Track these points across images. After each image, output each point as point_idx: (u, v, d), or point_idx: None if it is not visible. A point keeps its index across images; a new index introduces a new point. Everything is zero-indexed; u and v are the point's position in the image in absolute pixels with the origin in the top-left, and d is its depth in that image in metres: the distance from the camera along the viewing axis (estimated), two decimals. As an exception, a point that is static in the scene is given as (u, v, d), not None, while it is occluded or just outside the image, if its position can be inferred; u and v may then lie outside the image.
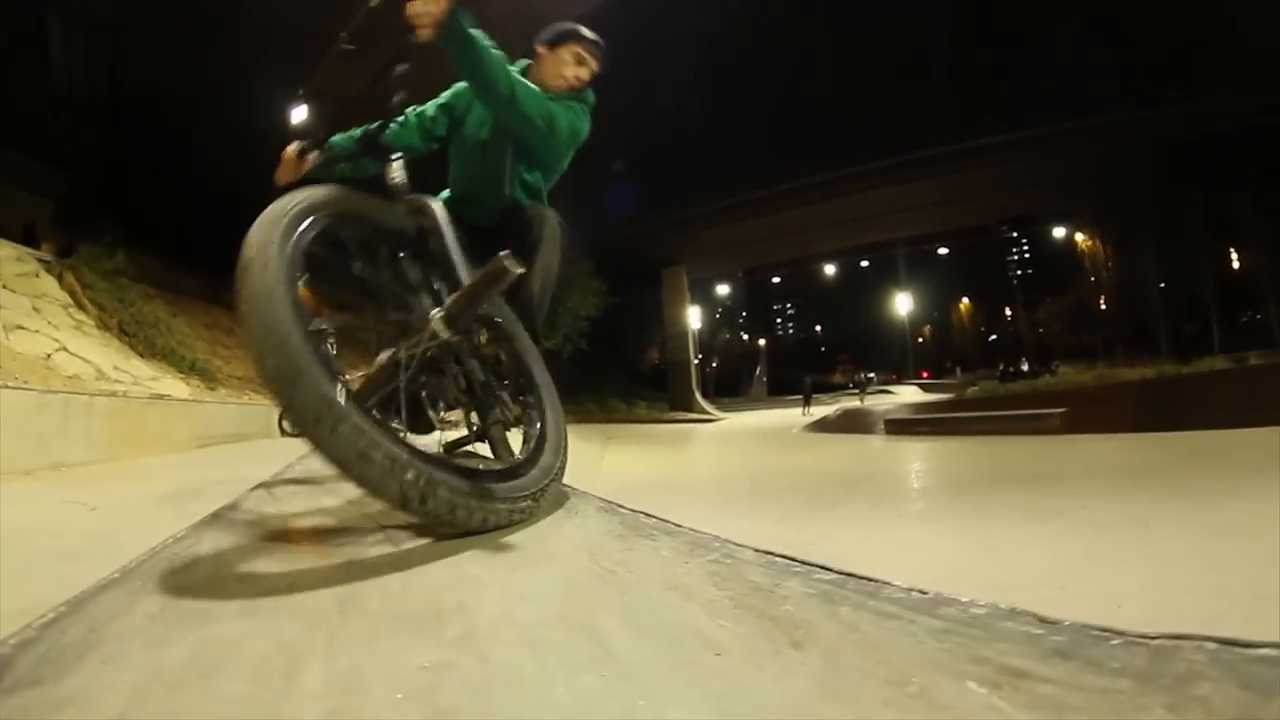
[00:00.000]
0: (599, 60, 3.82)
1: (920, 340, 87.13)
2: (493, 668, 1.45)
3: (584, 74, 3.82)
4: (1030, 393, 20.94)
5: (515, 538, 2.53)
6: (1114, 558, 5.46)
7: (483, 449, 3.28)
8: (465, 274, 2.94)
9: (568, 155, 3.89)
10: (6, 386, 6.11)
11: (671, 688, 1.37)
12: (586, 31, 3.82)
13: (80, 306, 14.80)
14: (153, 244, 22.76)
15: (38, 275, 14.58)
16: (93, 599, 1.87)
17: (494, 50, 3.20)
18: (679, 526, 2.86)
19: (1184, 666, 1.38)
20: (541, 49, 3.85)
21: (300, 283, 2.29)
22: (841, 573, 2.05)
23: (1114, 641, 1.60)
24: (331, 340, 10.48)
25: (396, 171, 3.20)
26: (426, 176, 3.61)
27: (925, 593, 1.80)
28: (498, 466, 2.74)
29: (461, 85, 3.81)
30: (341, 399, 1.98)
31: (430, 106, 3.94)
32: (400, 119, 3.66)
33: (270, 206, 2.32)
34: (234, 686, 1.38)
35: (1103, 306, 53.36)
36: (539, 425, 3.21)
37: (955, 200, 42.21)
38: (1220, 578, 4.80)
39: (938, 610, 1.68)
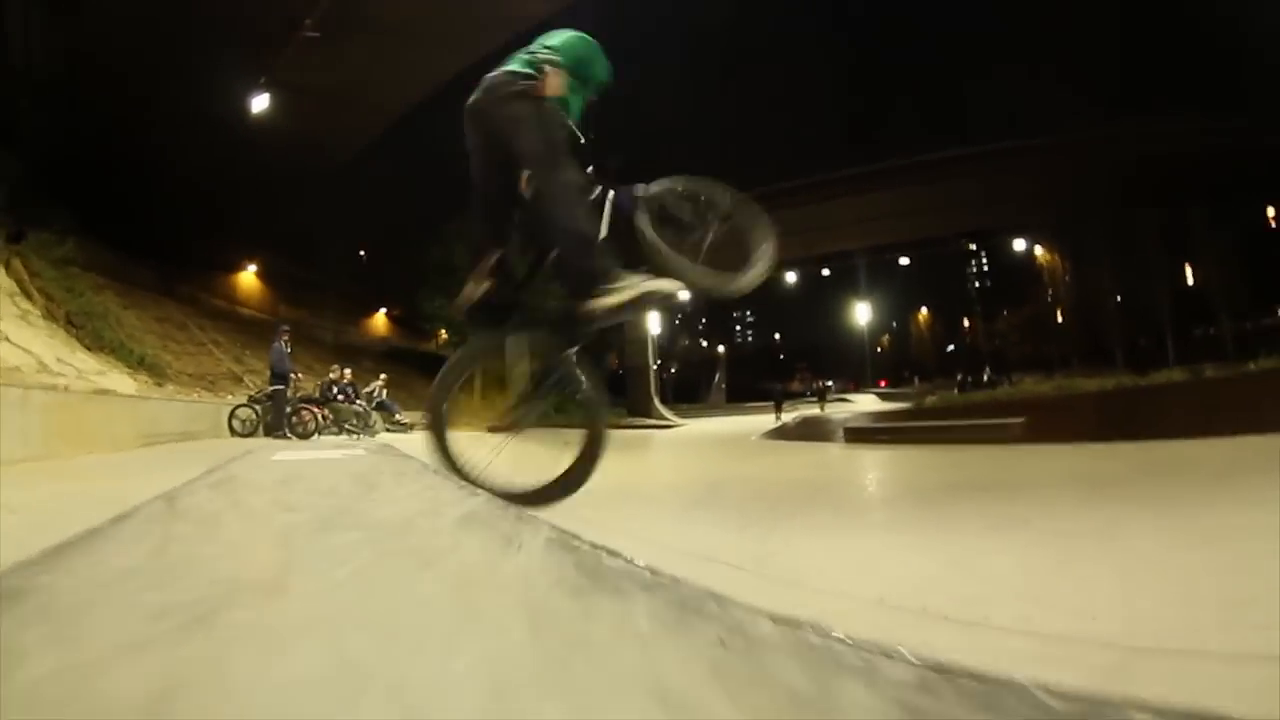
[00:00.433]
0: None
1: (879, 349, 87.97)
2: None
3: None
4: (989, 402, 21.03)
5: (435, 584, 2.41)
6: (1084, 568, 5.34)
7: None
8: None
9: None
10: (-68, 378, 5.96)
11: None
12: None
13: (27, 295, 14.33)
14: (106, 233, 22.18)
15: (-17, 261, 14.12)
16: None
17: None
18: (656, 575, 2.52)
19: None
20: None
21: None
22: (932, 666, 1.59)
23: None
24: (287, 337, 10.71)
25: None
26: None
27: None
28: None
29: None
30: None
31: None
32: None
33: None
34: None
35: (1059, 319, 54.21)
36: None
37: (915, 212, 42.81)
38: (1190, 587, 4.74)
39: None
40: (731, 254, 4.74)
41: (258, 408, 13.20)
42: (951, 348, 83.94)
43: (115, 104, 22.89)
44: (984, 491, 9.19)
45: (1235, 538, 5.60)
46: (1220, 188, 37.00)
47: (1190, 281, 47.83)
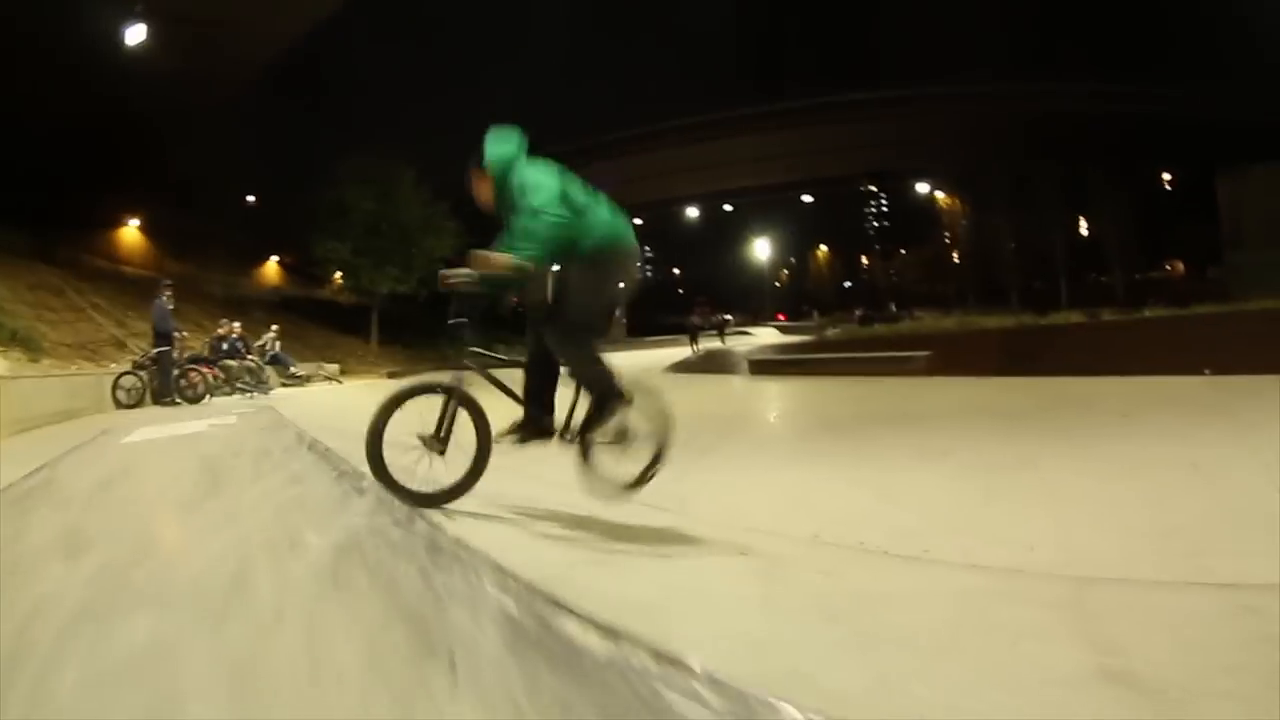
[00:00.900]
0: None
1: (777, 284, 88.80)
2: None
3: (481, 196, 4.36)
4: (892, 336, 21.38)
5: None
6: (1013, 499, 5.39)
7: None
8: None
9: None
10: None
11: None
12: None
13: None
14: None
15: None
16: None
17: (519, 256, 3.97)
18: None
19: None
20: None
21: None
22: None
23: None
24: (169, 293, 9.62)
25: None
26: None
27: None
28: None
29: None
30: None
31: None
32: None
33: None
34: None
35: (957, 260, 55.53)
36: None
37: (819, 151, 43.12)
38: (1121, 518, 4.75)
39: None
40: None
41: (143, 374, 12.24)
42: (849, 284, 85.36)
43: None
44: (899, 423, 9.25)
45: (1150, 471, 5.79)
46: (1119, 150, 38.34)
47: (1085, 233, 49.65)
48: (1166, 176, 49.09)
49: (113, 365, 13.19)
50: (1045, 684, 2.22)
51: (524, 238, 3.93)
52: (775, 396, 13.80)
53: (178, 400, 11.76)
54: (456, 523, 3.77)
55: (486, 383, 4.26)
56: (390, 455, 3.89)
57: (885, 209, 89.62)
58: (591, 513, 4.67)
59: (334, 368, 19.78)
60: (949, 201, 53.67)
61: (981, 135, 38.78)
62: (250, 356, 14.67)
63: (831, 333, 34.51)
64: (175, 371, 12.10)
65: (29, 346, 12.63)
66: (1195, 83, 32.99)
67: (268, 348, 16.35)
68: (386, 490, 3.79)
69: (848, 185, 72.15)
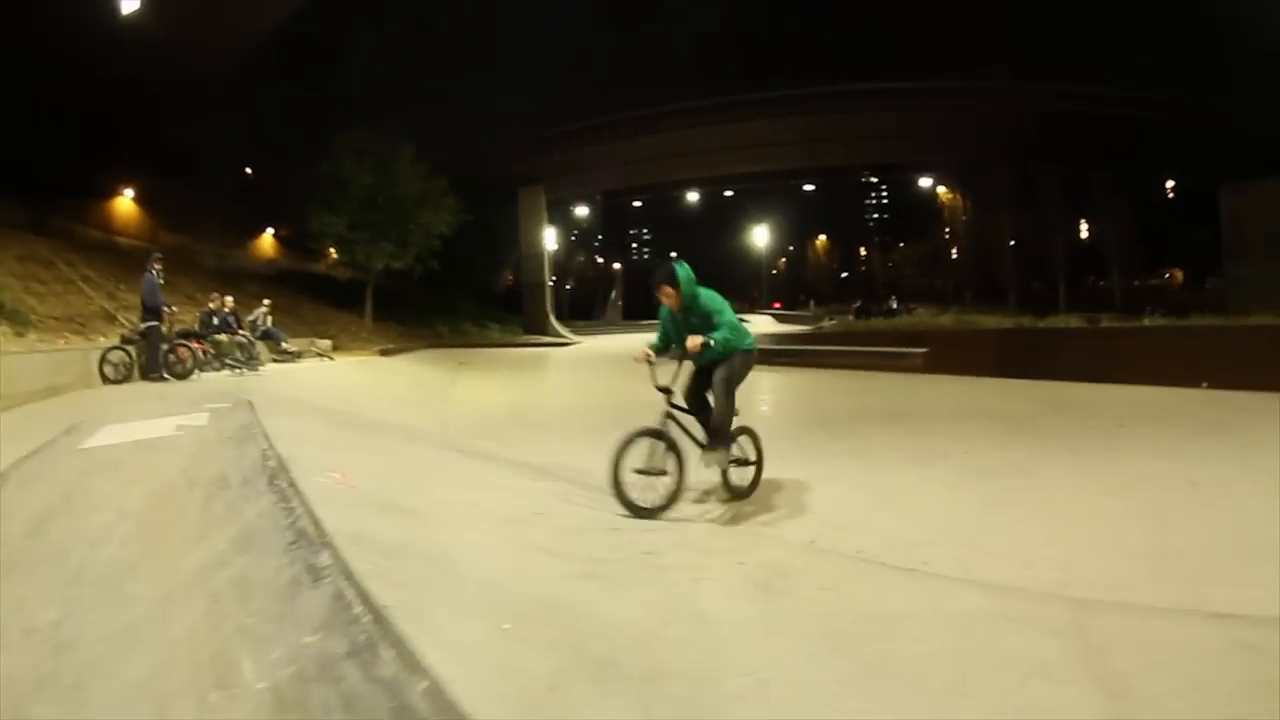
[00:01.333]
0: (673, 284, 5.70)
1: (774, 272, 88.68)
2: None
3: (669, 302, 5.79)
4: (889, 331, 21.34)
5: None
6: (1010, 509, 5.43)
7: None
8: None
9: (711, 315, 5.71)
10: None
11: None
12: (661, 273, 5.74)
13: None
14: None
15: None
16: None
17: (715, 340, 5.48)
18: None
19: None
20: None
21: None
22: None
23: None
24: (159, 266, 9.39)
25: None
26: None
27: None
28: None
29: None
30: None
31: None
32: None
33: None
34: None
35: (955, 256, 55.42)
36: None
37: (823, 140, 42.67)
38: (1119, 536, 4.74)
39: None
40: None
41: (131, 349, 12.04)
42: (846, 274, 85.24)
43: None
44: (896, 422, 9.22)
45: (1150, 487, 5.86)
46: (1124, 154, 38.25)
47: (1085, 236, 49.65)
48: (1170, 184, 49.15)
49: (102, 339, 12.92)
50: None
51: (733, 331, 5.52)
52: (770, 388, 13.74)
53: (166, 376, 11.60)
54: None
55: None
56: (623, 476, 4.85)
57: (886, 201, 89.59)
58: (583, 519, 4.64)
59: (326, 344, 19.53)
60: (950, 197, 53.55)
61: (987, 132, 38.53)
62: (241, 331, 14.51)
63: (828, 324, 34.47)
64: (164, 347, 11.93)
65: (15, 320, 12.32)
66: (1203, 93, 32.89)
67: (259, 323, 16.12)
68: (624, 507, 4.81)
69: (850, 176, 72.01)
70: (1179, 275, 50.33)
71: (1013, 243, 46.51)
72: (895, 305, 44.55)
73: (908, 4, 54.09)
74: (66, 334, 12.98)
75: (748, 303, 67.98)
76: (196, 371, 12.26)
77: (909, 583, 3.76)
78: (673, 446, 5.21)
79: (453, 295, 40.04)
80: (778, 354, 17.74)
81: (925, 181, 57.29)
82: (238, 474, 4.19)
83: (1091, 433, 7.99)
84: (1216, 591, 3.69)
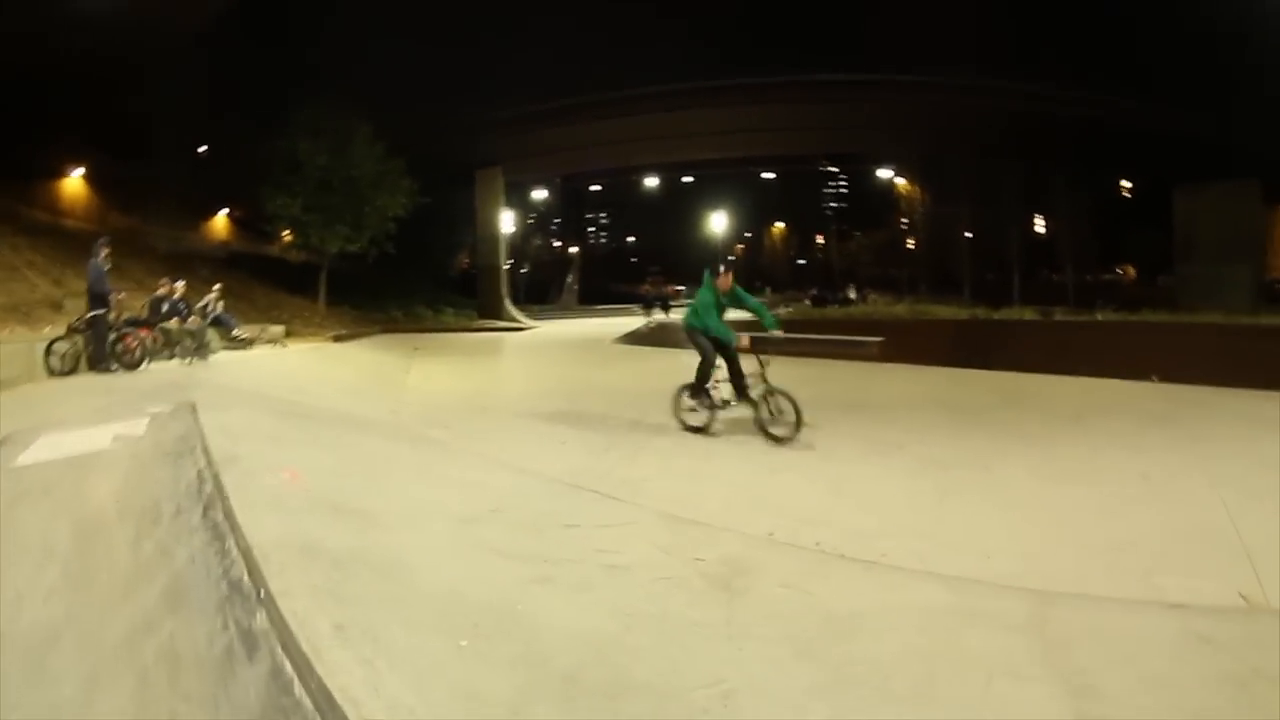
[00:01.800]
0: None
1: (731, 258, 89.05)
2: None
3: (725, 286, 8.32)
4: (845, 319, 21.48)
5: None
6: (966, 500, 5.48)
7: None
8: None
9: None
10: None
11: None
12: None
13: None
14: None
15: None
16: None
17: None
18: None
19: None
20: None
21: None
22: None
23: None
24: (106, 251, 9.06)
25: None
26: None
27: None
28: None
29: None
30: None
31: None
32: None
33: None
34: None
35: (911, 247, 55.97)
36: None
37: (782, 129, 42.82)
38: (1073, 527, 4.81)
39: None
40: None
41: (77, 338, 11.63)
42: (803, 262, 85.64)
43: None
44: (852, 412, 9.24)
45: (1101, 478, 5.95)
46: (1082, 153, 38.87)
47: (1041, 231, 50.50)
48: (1126, 184, 49.99)
49: (47, 329, 12.48)
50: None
51: (767, 314, 8.26)
52: (725, 376, 13.76)
53: (114, 367, 11.27)
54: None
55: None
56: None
57: (845, 191, 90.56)
58: (538, 516, 4.52)
59: (279, 330, 19.14)
60: (909, 189, 54.11)
61: (948, 127, 38.95)
62: (192, 318, 14.15)
63: (784, 311, 34.67)
64: (112, 336, 11.58)
65: (-46, 312, 11.86)
66: (1161, 100, 33.61)
67: (210, 309, 15.70)
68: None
69: (809, 164, 72.51)
70: (1131, 271, 51.28)
71: (969, 235, 47.16)
72: (853, 294, 44.95)
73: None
74: (11, 324, 12.56)
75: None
76: (146, 361, 11.92)
77: (869, 576, 3.76)
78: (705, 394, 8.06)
79: (407, 279, 39.49)
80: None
81: (884, 173, 57.81)
82: (171, 503, 3.90)
83: (1046, 424, 8.11)
84: (1170, 582, 3.79)
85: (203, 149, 36.96)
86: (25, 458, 5.26)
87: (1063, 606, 3.24)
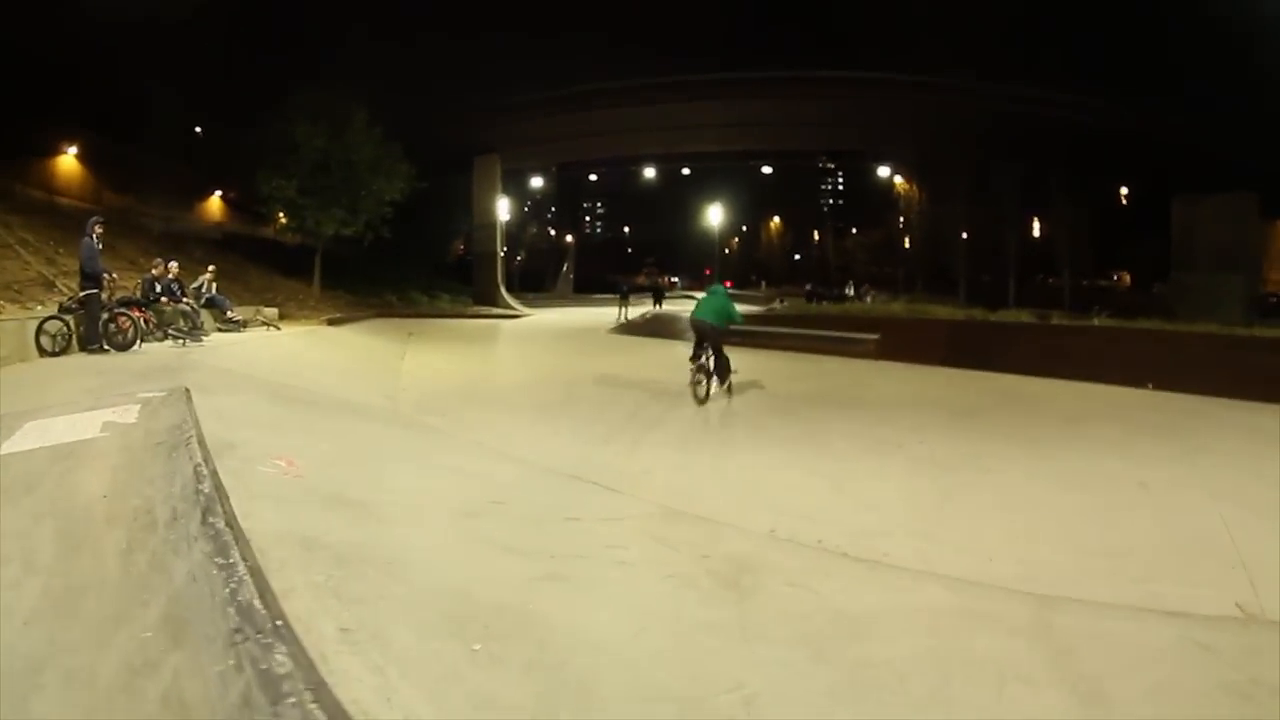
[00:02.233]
0: None
1: (727, 251, 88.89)
2: None
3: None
4: (841, 315, 21.43)
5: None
6: (967, 503, 5.50)
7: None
8: None
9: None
10: None
11: None
12: None
13: None
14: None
15: None
16: None
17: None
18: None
19: None
20: None
21: None
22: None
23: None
24: (99, 230, 9.01)
25: None
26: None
27: None
28: None
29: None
30: None
31: None
32: None
33: None
34: None
35: (907, 245, 55.95)
36: None
37: (783, 124, 42.88)
38: (1073, 533, 4.84)
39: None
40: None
41: (69, 318, 11.52)
42: (799, 257, 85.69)
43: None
44: (851, 409, 9.25)
45: (1100, 485, 5.99)
46: (1081, 159, 38.94)
47: (1038, 234, 50.53)
48: (1124, 191, 50.14)
49: (39, 308, 12.35)
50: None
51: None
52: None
53: (106, 348, 11.19)
54: None
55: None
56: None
57: (842, 188, 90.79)
58: (540, 508, 4.53)
59: (273, 312, 19.02)
60: (906, 187, 54.12)
61: (948, 127, 39.05)
62: (185, 299, 14.06)
63: (779, 305, 34.64)
64: (104, 316, 11.48)
65: (-55, 292, 11.72)
66: (1163, 109, 33.70)
67: (204, 290, 15.62)
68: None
69: (808, 161, 72.73)
70: (1127, 278, 51.40)
71: (965, 236, 47.25)
72: (852, 291, 44.87)
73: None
74: (2, 303, 12.45)
75: (698, 280, 68.16)
76: (138, 342, 11.83)
77: (873, 577, 3.77)
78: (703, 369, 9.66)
79: (403, 264, 39.31)
80: (728, 333, 17.77)
81: (883, 171, 57.84)
82: (166, 506, 3.42)
83: (1044, 428, 8.13)
84: (1168, 590, 3.83)
85: (198, 130, 36.77)
86: (9, 445, 4.77)
87: (1065, 611, 3.26)
